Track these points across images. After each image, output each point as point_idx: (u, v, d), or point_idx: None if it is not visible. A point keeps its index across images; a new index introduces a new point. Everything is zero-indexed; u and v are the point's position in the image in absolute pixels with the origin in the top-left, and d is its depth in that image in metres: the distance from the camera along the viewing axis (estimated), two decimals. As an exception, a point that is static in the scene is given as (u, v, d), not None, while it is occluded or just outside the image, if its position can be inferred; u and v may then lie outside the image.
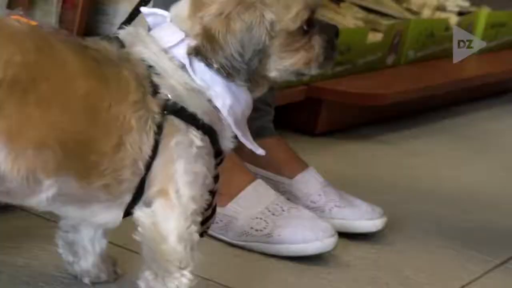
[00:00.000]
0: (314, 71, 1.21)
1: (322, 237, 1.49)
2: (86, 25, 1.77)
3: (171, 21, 1.18)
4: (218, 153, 1.20)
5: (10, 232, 1.43)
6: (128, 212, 1.17)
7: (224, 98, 1.16)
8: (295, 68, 1.19)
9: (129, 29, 1.18)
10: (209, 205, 1.21)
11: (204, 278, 1.35)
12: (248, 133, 1.21)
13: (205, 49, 1.12)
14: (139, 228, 1.15)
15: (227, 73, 1.13)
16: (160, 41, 1.16)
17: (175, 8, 1.19)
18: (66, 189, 1.10)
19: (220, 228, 1.52)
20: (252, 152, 1.63)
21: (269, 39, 1.13)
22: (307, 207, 1.58)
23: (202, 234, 1.20)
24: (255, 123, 1.62)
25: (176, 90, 1.13)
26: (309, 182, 1.65)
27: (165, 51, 1.15)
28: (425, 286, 1.55)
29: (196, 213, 1.15)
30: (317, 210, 1.59)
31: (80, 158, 1.10)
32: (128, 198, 1.15)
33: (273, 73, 1.18)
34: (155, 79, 1.13)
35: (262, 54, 1.14)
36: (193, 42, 1.14)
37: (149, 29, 1.19)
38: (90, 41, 1.16)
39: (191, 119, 1.14)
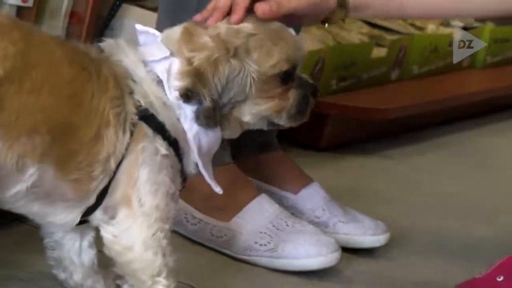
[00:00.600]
0: (284, 122, 1.23)
1: (326, 252, 1.51)
2: (92, 40, 1.79)
3: (161, 40, 1.21)
4: (182, 178, 1.21)
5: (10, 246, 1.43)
6: (84, 220, 1.18)
7: (192, 123, 1.18)
8: (267, 114, 1.21)
9: (109, 40, 1.21)
10: None
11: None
12: (210, 167, 1.22)
13: (196, 88, 1.15)
14: (105, 244, 1.17)
15: (208, 115, 1.15)
16: (142, 54, 1.19)
17: (167, 31, 1.23)
18: (42, 180, 1.11)
19: (224, 242, 1.53)
20: (256, 165, 1.66)
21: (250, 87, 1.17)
22: (311, 222, 1.59)
23: None
24: (259, 138, 1.65)
25: (148, 98, 1.16)
26: (313, 197, 1.65)
27: (145, 63, 1.18)
28: None
29: (161, 220, 1.16)
30: (321, 225, 1.60)
31: (63, 145, 1.11)
32: (92, 200, 1.15)
33: (247, 118, 1.20)
34: (131, 83, 1.16)
35: (236, 101, 1.17)
36: (181, 81, 1.16)
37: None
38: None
39: (159, 128, 1.16)
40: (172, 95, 1.17)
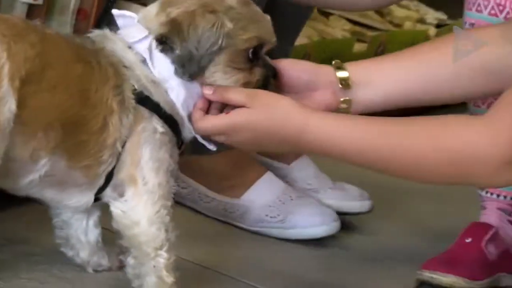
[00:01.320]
0: None
1: (329, 221, 1.65)
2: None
3: (138, 21, 1.26)
4: (179, 143, 1.28)
5: (22, 225, 1.51)
6: (96, 198, 1.27)
7: (178, 91, 1.24)
8: (235, 84, 1.25)
9: (96, 31, 1.28)
10: None
11: (195, 264, 1.48)
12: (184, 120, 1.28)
13: (170, 35, 1.21)
14: (114, 218, 1.25)
15: (182, 63, 1.21)
16: (125, 38, 1.24)
17: (143, 10, 1.27)
18: (54, 169, 1.20)
19: (237, 216, 1.67)
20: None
21: (221, 48, 1.22)
22: (304, 189, 1.73)
23: None
24: None
25: (141, 81, 1.22)
26: (305, 168, 1.78)
27: (130, 46, 1.24)
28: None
29: (164, 197, 1.24)
30: (312, 191, 1.74)
31: (73, 137, 1.19)
32: (101, 181, 1.24)
33: (218, 83, 1.25)
34: (124, 70, 1.22)
35: (213, 56, 1.22)
36: (159, 30, 1.22)
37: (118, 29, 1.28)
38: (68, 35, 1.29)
39: (155, 108, 1.23)
40: (156, 71, 1.23)
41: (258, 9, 1.29)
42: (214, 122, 1.23)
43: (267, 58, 1.30)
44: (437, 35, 2.99)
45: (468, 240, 1.56)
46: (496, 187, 1.51)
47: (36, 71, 1.15)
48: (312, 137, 1.18)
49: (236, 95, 1.23)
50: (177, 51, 1.21)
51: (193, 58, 1.20)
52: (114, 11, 1.30)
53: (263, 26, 1.28)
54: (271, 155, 1.78)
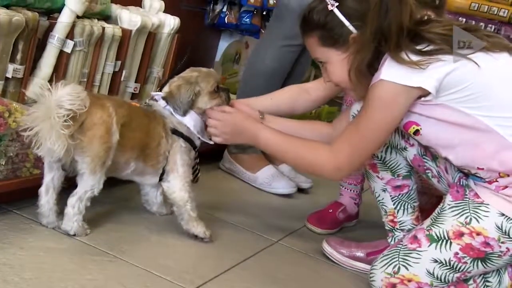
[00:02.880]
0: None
1: (291, 186, 2.98)
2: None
3: (160, 93, 2.20)
4: (194, 148, 2.19)
5: (123, 193, 2.41)
6: (160, 178, 2.16)
7: (190, 122, 2.15)
8: (215, 105, 2.18)
9: (150, 101, 2.18)
10: (194, 169, 2.23)
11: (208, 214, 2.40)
12: (205, 134, 2.19)
13: (169, 98, 2.14)
14: (164, 190, 2.16)
15: (174, 108, 2.13)
16: (160, 103, 2.16)
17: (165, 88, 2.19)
18: (137, 167, 2.10)
19: (253, 181, 2.99)
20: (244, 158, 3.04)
21: (197, 96, 2.14)
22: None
23: (195, 180, 2.24)
24: (245, 146, 2.98)
25: (173, 123, 2.14)
26: (265, 171, 3.02)
27: (164, 107, 2.16)
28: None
29: (187, 177, 2.15)
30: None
31: (144, 151, 2.08)
32: (160, 171, 2.15)
33: (205, 107, 2.17)
34: (166, 119, 2.14)
35: (191, 101, 2.14)
36: (164, 95, 2.16)
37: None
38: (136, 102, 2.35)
39: (180, 135, 2.14)
40: (178, 117, 2.14)
41: (209, 69, 2.22)
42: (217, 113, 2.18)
43: (223, 86, 2.24)
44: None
45: (330, 210, 2.67)
46: (335, 180, 2.68)
47: (126, 121, 2.01)
48: (262, 141, 2.11)
49: (225, 108, 2.19)
50: (173, 106, 2.15)
51: (179, 106, 2.14)
52: (154, 93, 2.22)
53: (215, 75, 2.20)
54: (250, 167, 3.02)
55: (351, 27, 1.93)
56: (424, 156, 2.14)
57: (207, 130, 2.17)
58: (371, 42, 1.89)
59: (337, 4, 1.94)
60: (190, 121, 2.14)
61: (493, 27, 4.14)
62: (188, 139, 2.15)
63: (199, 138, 2.17)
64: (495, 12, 4.10)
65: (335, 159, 1.95)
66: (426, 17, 1.96)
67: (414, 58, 1.84)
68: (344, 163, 1.95)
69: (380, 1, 1.87)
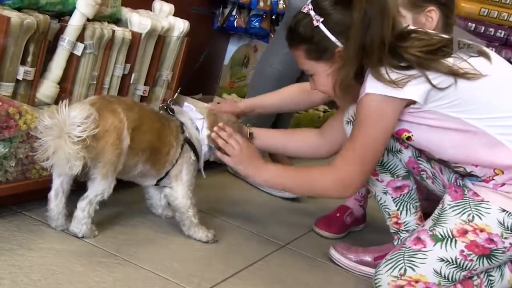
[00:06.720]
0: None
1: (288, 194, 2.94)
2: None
3: (195, 110, 2.23)
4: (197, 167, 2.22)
5: (129, 196, 2.39)
6: (159, 180, 2.17)
7: (205, 146, 2.21)
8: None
9: (175, 107, 2.22)
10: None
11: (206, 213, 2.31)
12: (201, 162, 2.23)
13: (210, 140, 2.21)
14: (166, 196, 2.17)
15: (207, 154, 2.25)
16: (190, 115, 2.21)
17: (196, 103, 2.27)
18: (144, 170, 2.09)
19: (259, 185, 2.93)
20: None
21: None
22: None
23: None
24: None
25: (191, 135, 2.17)
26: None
27: (191, 120, 2.20)
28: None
29: (189, 186, 2.16)
30: None
31: (154, 156, 2.09)
32: (162, 175, 2.15)
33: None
34: (184, 128, 2.16)
35: None
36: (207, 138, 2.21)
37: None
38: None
39: (192, 147, 2.16)
40: (201, 135, 2.20)
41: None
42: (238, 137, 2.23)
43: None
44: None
45: (338, 214, 2.71)
46: (350, 197, 2.70)
47: (137, 125, 2.01)
48: (268, 174, 2.15)
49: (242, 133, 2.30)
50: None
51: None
52: (186, 104, 2.26)
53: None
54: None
55: (337, 42, 1.94)
56: (419, 158, 2.17)
57: (222, 147, 2.17)
58: (355, 57, 1.90)
59: (322, 19, 1.94)
60: (205, 146, 2.21)
61: (503, 32, 4.14)
62: (196, 154, 2.19)
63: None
64: (505, 18, 4.10)
65: (342, 182, 1.97)
66: (407, 29, 1.96)
67: (394, 75, 1.87)
68: (353, 180, 1.97)
69: (363, 16, 1.88)
